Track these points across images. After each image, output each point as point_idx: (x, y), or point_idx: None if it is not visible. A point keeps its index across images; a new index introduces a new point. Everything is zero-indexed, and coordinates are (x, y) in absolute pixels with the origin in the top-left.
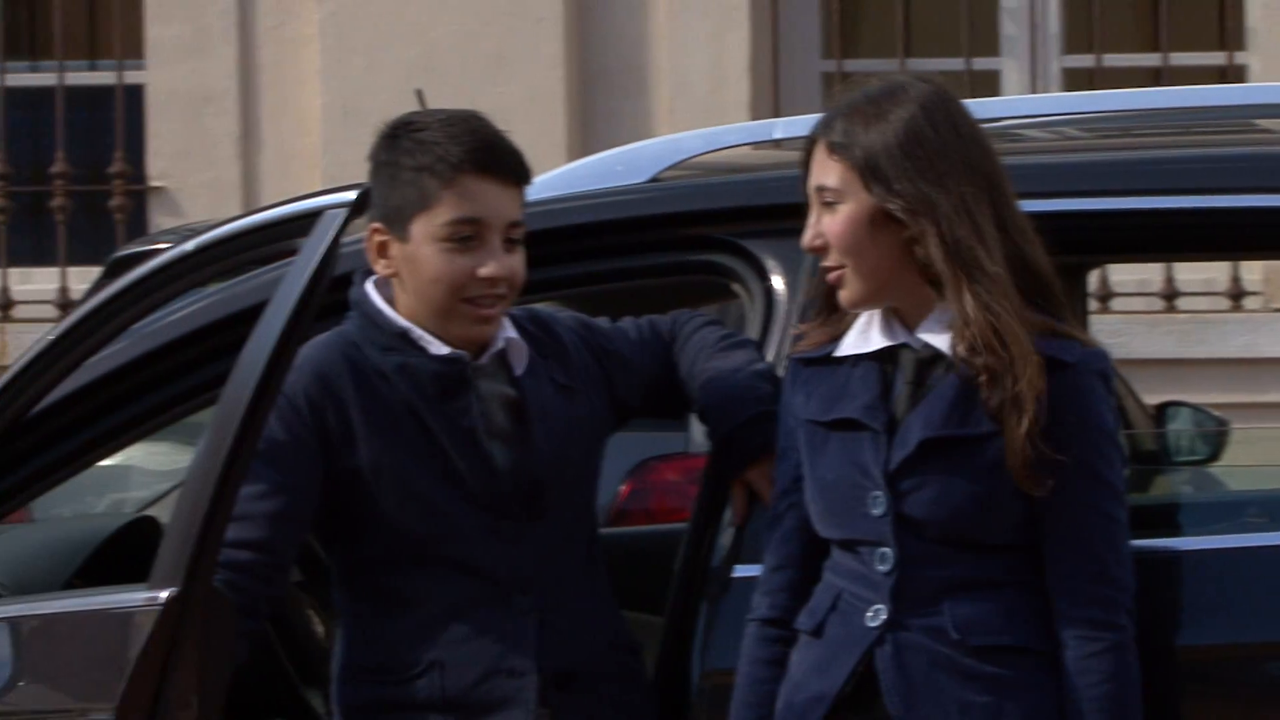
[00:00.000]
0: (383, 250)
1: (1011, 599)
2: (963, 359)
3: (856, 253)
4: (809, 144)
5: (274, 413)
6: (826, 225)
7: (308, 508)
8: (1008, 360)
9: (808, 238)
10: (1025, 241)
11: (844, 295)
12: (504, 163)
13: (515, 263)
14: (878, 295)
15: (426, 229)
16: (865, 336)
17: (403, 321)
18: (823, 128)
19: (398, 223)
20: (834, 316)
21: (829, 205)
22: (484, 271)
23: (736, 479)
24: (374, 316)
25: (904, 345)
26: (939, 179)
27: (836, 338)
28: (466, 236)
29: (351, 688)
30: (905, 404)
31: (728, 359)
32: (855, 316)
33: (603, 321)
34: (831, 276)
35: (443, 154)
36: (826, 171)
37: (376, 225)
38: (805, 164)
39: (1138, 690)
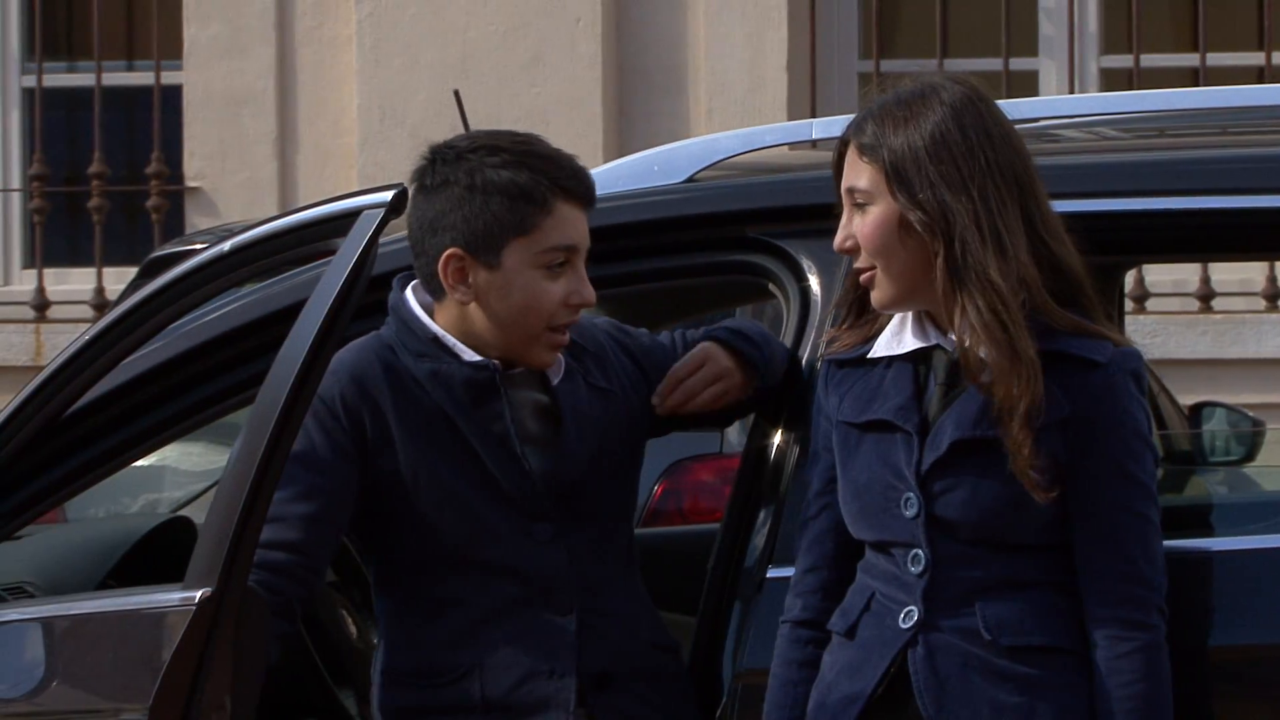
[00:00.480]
0: (460, 277)
1: (1043, 599)
2: (974, 369)
3: (886, 254)
4: (841, 145)
5: (310, 416)
6: (857, 227)
7: (343, 511)
8: (998, 371)
9: (839, 239)
10: (1056, 243)
11: (875, 297)
12: (589, 188)
13: (592, 289)
14: (908, 297)
15: (523, 256)
16: (898, 338)
17: (434, 328)
18: (854, 129)
19: (486, 250)
20: (867, 318)
21: (860, 206)
22: (575, 299)
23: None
24: (409, 322)
25: (937, 346)
26: (963, 183)
27: (870, 339)
28: (560, 263)
29: (392, 692)
30: (938, 405)
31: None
32: (888, 318)
33: (641, 331)
34: (863, 278)
35: (540, 180)
36: (857, 173)
37: (455, 252)
38: (838, 165)
39: (1169, 690)
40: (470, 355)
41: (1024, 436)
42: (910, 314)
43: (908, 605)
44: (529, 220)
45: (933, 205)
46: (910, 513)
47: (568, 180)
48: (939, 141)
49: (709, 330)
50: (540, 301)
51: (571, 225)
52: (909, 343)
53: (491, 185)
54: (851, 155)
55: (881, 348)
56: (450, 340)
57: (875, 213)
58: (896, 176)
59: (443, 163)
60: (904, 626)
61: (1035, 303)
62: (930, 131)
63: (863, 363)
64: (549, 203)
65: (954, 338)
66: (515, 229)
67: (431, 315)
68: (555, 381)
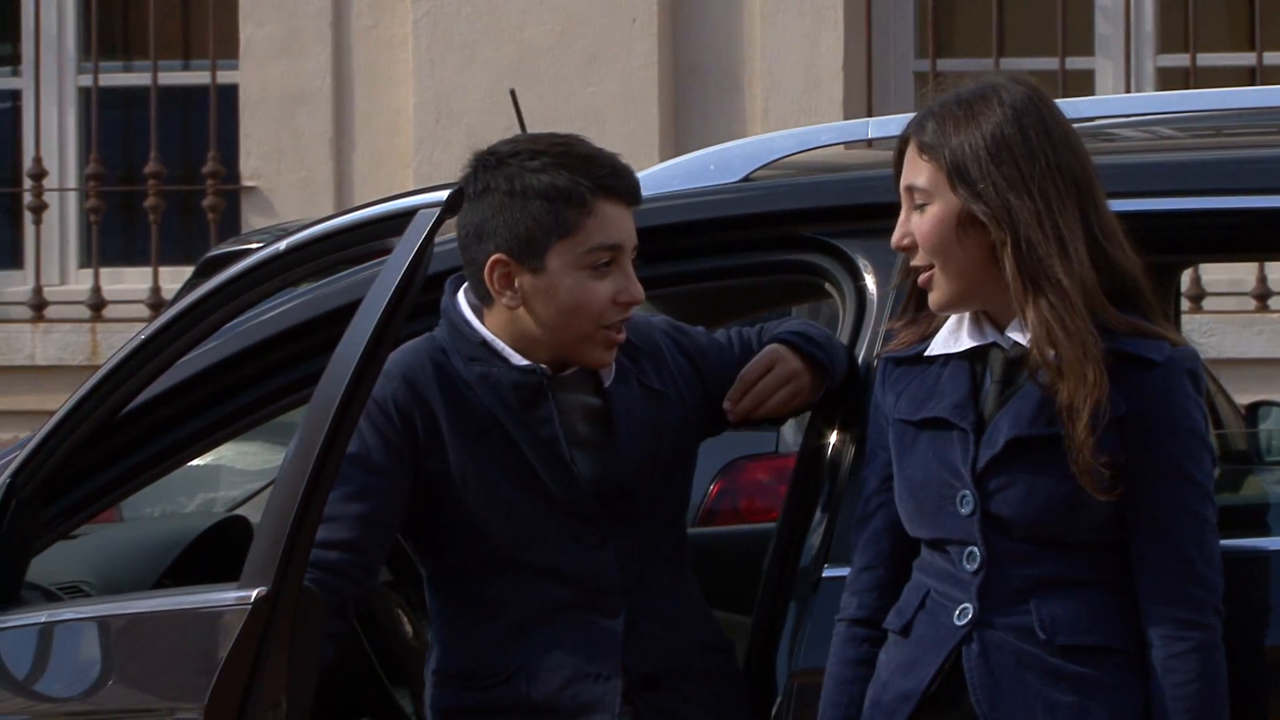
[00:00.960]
0: (506, 282)
1: (1098, 598)
2: (1033, 366)
3: (944, 253)
4: (901, 143)
5: (364, 417)
6: (915, 225)
7: (397, 511)
8: (1063, 369)
9: (897, 236)
10: (1113, 245)
11: (933, 298)
12: (631, 186)
13: (640, 286)
14: (966, 296)
15: (567, 258)
16: (955, 336)
17: (484, 332)
18: (915, 127)
19: (530, 254)
20: (924, 315)
21: (919, 206)
22: (624, 297)
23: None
24: (459, 326)
25: (993, 344)
26: (1024, 184)
27: (927, 337)
28: (606, 263)
29: (443, 692)
30: (994, 403)
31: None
32: (945, 316)
33: (698, 329)
34: (922, 278)
35: (579, 181)
36: (917, 171)
37: (499, 258)
38: (898, 163)
39: (1225, 690)
40: (519, 360)
41: (1087, 435)
42: (967, 312)
43: (963, 603)
44: (570, 222)
45: (995, 200)
46: (966, 510)
47: (608, 179)
48: (1000, 142)
49: (774, 333)
50: (588, 302)
51: (614, 224)
52: (965, 341)
53: (531, 190)
54: (911, 153)
55: (939, 346)
56: (500, 345)
57: (934, 211)
58: (958, 175)
59: (484, 169)
60: (959, 624)
61: (1092, 304)
62: (991, 132)
63: (919, 361)
64: (589, 203)
65: (1012, 335)
66: (557, 231)
67: (482, 318)
68: (608, 384)
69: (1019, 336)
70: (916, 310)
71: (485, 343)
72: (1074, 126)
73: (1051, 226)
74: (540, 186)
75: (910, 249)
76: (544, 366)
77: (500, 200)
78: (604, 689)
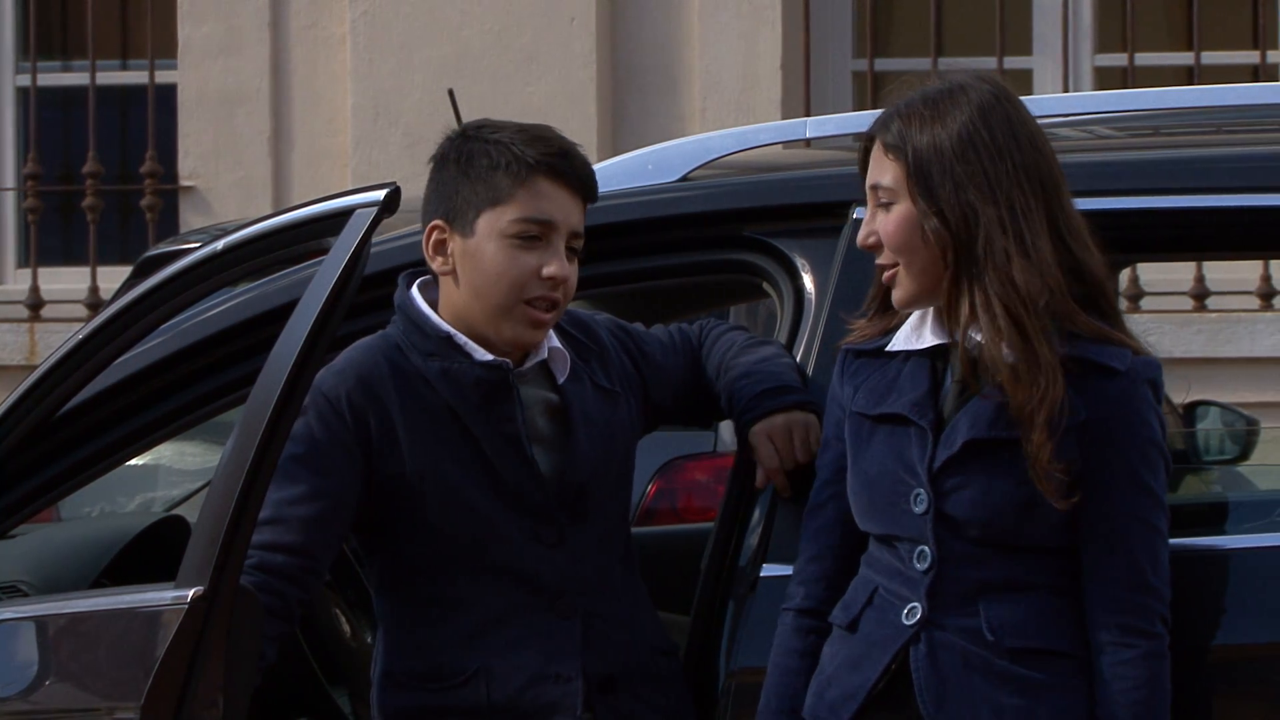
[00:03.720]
0: (440, 248)
1: (1047, 602)
2: (989, 369)
3: (908, 252)
4: (867, 141)
5: (316, 416)
6: (881, 224)
7: (346, 513)
8: (1018, 374)
9: (862, 235)
10: (1080, 248)
11: (896, 295)
12: (577, 172)
13: (574, 272)
14: (929, 295)
15: (494, 224)
16: (918, 332)
17: (446, 327)
18: (880, 126)
19: (462, 218)
20: (889, 311)
21: (884, 205)
22: (548, 271)
23: (746, 437)
24: (418, 321)
25: (956, 343)
26: (989, 185)
27: (889, 331)
28: (533, 236)
29: (394, 694)
30: (953, 403)
31: (754, 353)
32: (909, 311)
33: (637, 326)
34: (886, 275)
35: (519, 154)
36: (882, 170)
37: (437, 222)
38: (863, 161)
39: (1168, 699)
40: (483, 355)
41: (1043, 440)
42: (931, 310)
43: (911, 601)
44: (503, 190)
45: (955, 206)
46: (919, 509)
47: (551, 158)
48: (966, 141)
49: (742, 415)
50: (510, 270)
51: (549, 201)
52: (928, 338)
53: (475, 160)
54: (877, 152)
55: (900, 341)
56: (462, 339)
57: (899, 210)
58: (919, 176)
59: (449, 143)
60: (907, 623)
61: (1058, 306)
62: (957, 131)
63: (880, 355)
64: (523, 175)
65: (974, 335)
66: (489, 199)
67: (436, 310)
68: (562, 380)
69: (981, 337)
70: (882, 308)
71: (448, 338)
72: (1041, 127)
73: (1014, 227)
74: (485, 158)
75: (875, 248)
76: (508, 361)
77: (450, 169)
78: (565, 690)
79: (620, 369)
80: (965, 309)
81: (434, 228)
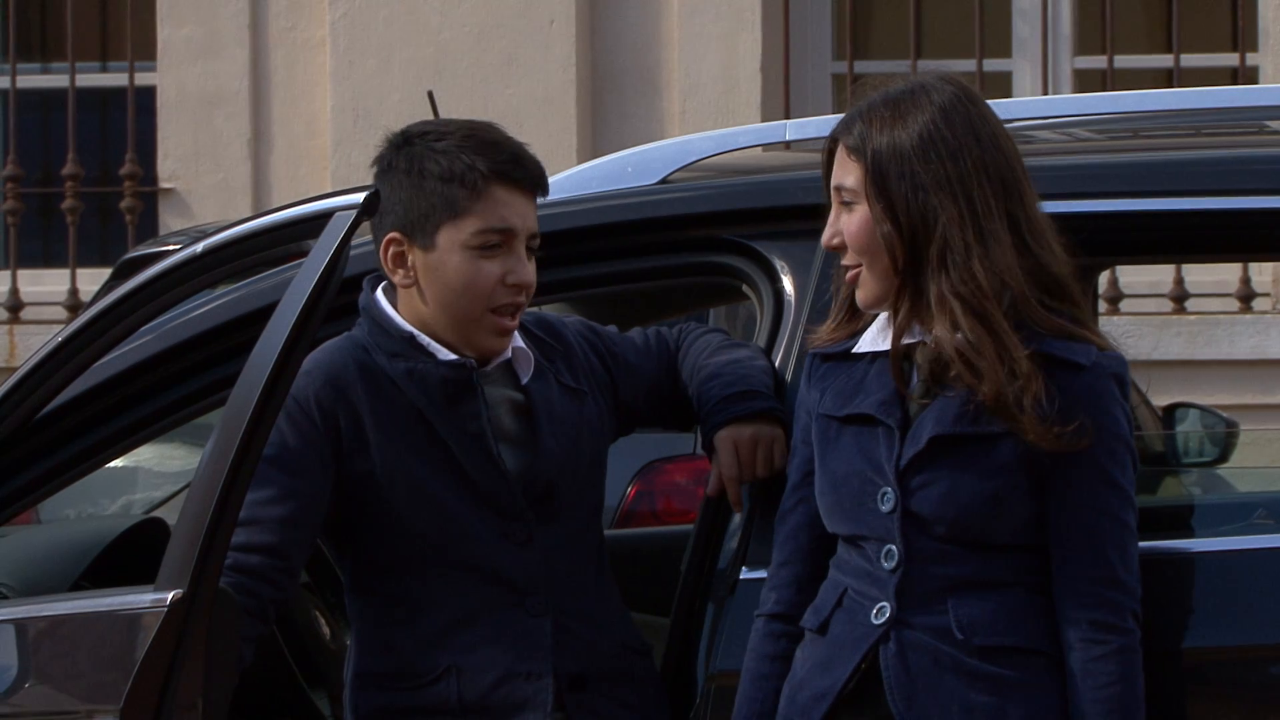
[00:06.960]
0: (399, 260)
1: (1017, 600)
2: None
3: (872, 253)
4: (831, 143)
5: (285, 418)
6: (844, 225)
7: (318, 513)
8: (980, 370)
9: (826, 236)
10: (1041, 247)
11: (860, 295)
12: (531, 174)
13: (534, 272)
14: (891, 296)
15: (455, 237)
16: (884, 333)
17: (409, 328)
18: (843, 128)
19: (421, 231)
20: (855, 314)
21: (847, 205)
22: (512, 278)
23: (709, 442)
24: (382, 322)
25: (921, 343)
26: (949, 184)
27: (855, 334)
28: (494, 245)
29: (366, 694)
30: (920, 401)
31: (729, 355)
32: (875, 314)
33: (610, 328)
34: (849, 276)
35: (472, 164)
36: (846, 172)
37: (394, 235)
38: (827, 163)
39: (1141, 694)
40: (446, 355)
41: (1034, 422)
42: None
43: (880, 601)
44: (460, 203)
45: (913, 206)
46: (886, 507)
47: (504, 165)
48: (927, 141)
49: (710, 419)
50: (475, 282)
51: (507, 208)
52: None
53: (427, 170)
54: (840, 154)
55: (867, 343)
56: (425, 339)
57: (861, 211)
58: (878, 178)
59: (392, 148)
60: (876, 623)
61: (1019, 305)
62: (918, 131)
63: (847, 357)
64: (480, 186)
65: (940, 334)
66: (447, 212)
67: (397, 311)
68: (526, 380)
69: (945, 334)
70: (848, 309)
71: (411, 338)
72: (1005, 127)
73: (974, 227)
74: (436, 168)
75: (840, 249)
76: (472, 360)
77: (400, 179)
78: (536, 688)
79: (588, 369)
80: (929, 306)
81: (391, 240)
